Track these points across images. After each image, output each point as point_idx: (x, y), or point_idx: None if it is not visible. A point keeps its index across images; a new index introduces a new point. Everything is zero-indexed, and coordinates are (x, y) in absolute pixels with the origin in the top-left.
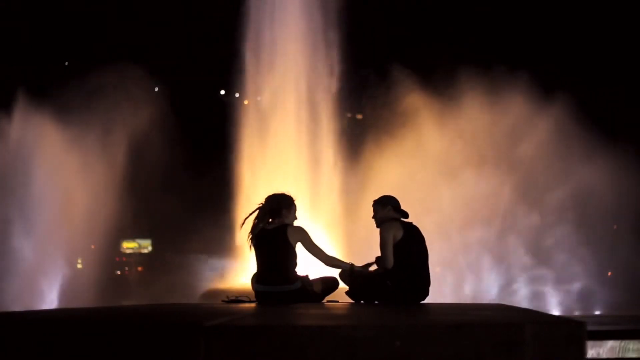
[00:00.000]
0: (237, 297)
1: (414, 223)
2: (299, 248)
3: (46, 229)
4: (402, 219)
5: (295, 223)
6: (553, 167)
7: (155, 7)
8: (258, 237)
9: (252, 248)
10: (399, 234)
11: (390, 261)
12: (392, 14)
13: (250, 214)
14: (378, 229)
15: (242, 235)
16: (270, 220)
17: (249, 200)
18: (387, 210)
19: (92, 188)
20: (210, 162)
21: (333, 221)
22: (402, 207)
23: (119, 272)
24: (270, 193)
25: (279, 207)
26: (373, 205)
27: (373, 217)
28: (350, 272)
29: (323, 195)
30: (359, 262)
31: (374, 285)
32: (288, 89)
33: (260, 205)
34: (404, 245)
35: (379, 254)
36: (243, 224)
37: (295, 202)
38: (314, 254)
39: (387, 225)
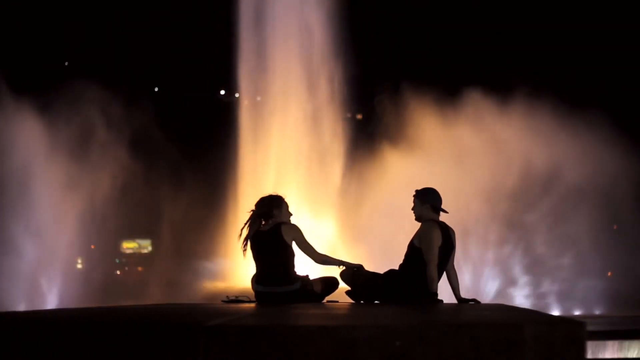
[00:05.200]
0: (237, 297)
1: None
2: (296, 246)
3: (46, 229)
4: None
5: (292, 220)
6: (553, 166)
7: (155, 7)
8: (254, 239)
9: (248, 251)
10: (440, 240)
11: (435, 271)
12: (395, 12)
13: (246, 223)
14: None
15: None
16: (264, 222)
17: (249, 200)
18: (425, 208)
19: (92, 188)
20: (210, 162)
21: (334, 220)
22: (410, 207)
23: (118, 272)
24: (260, 197)
25: (269, 208)
26: (413, 197)
27: (412, 209)
28: (352, 272)
29: (323, 195)
30: (358, 261)
31: (375, 285)
32: (288, 88)
33: (252, 211)
34: (440, 252)
35: (378, 252)
36: (240, 233)
37: (286, 200)
38: (306, 253)
39: (435, 233)
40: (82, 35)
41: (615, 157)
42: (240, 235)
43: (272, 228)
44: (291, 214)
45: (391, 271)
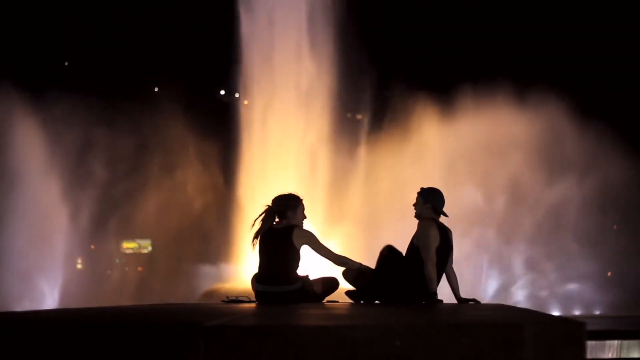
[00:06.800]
0: (237, 297)
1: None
2: (304, 250)
3: (46, 229)
4: (440, 219)
5: (306, 223)
6: (552, 167)
7: (155, 7)
8: (264, 236)
9: (256, 247)
10: (437, 239)
11: (433, 270)
12: (397, 13)
13: (259, 216)
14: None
15: (249, 237)
16: (278, 220)
17: (248, 200)
18: (427, 208)
19: (92, 188)
20: (210, 162)
21: (332, 221)
22: (413, 206)
23: (109, 272)
24: (278, 194)
25: (284, 208)
26: (417, 194)
27: (414, 206)
28: (356, 272)
29: (323, 195)
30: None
31: (375, 286)
32: (287, 89)
33: (267, 206)
34: (438, 252)
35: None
36: (253, 225)
37: (303, 202)
38: (323, 255)
39: (432, 232)
40: (82, 35)
41: (615, 158)
42: (253, 226)
43: (284, 228)
44: (305, 217)
45: (392, 266)
